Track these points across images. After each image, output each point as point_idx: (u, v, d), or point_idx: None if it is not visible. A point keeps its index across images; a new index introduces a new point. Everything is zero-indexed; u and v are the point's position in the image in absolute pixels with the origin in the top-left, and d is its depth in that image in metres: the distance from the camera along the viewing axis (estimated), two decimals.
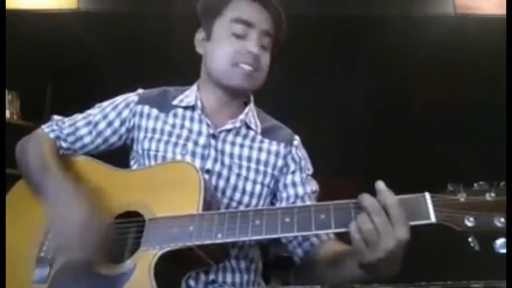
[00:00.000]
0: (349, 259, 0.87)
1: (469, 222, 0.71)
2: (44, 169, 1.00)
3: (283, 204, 1.10)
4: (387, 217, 0.73)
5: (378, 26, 3.14)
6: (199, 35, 1.16)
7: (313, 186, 1.15)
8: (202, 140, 1.09)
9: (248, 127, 1.14)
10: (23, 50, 2.92)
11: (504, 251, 0.69)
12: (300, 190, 1.12)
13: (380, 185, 0.76)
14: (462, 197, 0.73)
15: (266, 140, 1.14)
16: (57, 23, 3.17)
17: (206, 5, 1.14)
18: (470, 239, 0.72)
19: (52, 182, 0.96)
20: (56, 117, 1.17)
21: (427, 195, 0.75)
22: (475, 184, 0.75)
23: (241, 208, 1.06)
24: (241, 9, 1.09)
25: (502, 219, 0.70)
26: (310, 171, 1.18)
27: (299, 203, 1.10)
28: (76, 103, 1.25)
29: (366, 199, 0.75)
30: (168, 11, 3.21)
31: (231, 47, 1.07)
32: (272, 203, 1.13)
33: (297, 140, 1.19)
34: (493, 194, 0.72)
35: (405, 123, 3.25)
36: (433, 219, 0.73)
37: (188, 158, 1.06)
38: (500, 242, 0.70)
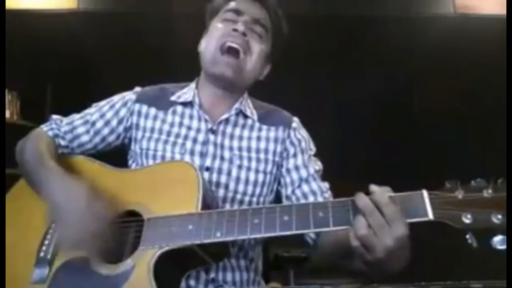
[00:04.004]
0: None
1: (467, 219, 0.71)
2: (42, 166, 0.99)
3: (289, 189, 1.11)
4: (382, 216, 0.73)
5: (378, 26, 3.14)
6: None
7: (316, 165, 1.14)
8: (201, 137, 1.09)
9: (245, 116, 1.14)
10: (23, 50, 2.92)
11: (501, 247, 0.69)
12: (304, 173, 1.11)
13: (373, 187, 0.77)
14: (459, 194, 0.73)
15: (264, 127, 1.14)
16: (57, 23, 3.17)
17: (210, 7, 1.17)
18: (467, 236, 0.72)
19: (51, 178, 0.95)
20: (54, 116, 1.17)
21: (425, 192, 0.75)
22: (472, 181, 0.74)
23: (246, 198, 1.07)
24: (236, 3, 1.12)
25: (500, 216, 0.70)
26: (313, 151, 1.17)
27: (304, 186, 1.10)
28: (76, 103, 1.25)
29: (361, 200, 0.75)
30: (168, 11, 3.21)
31: (220, 31, 1.10)
32: (277, 190, 1.14)
33: (295, 122, 1.18)
34: (490, 191, 0.72)
35: (405, 123, 3.25)
36: (430, 216, 0.73)
37: (187, 157, 1.06)
38: (498, 238, 0.69)
